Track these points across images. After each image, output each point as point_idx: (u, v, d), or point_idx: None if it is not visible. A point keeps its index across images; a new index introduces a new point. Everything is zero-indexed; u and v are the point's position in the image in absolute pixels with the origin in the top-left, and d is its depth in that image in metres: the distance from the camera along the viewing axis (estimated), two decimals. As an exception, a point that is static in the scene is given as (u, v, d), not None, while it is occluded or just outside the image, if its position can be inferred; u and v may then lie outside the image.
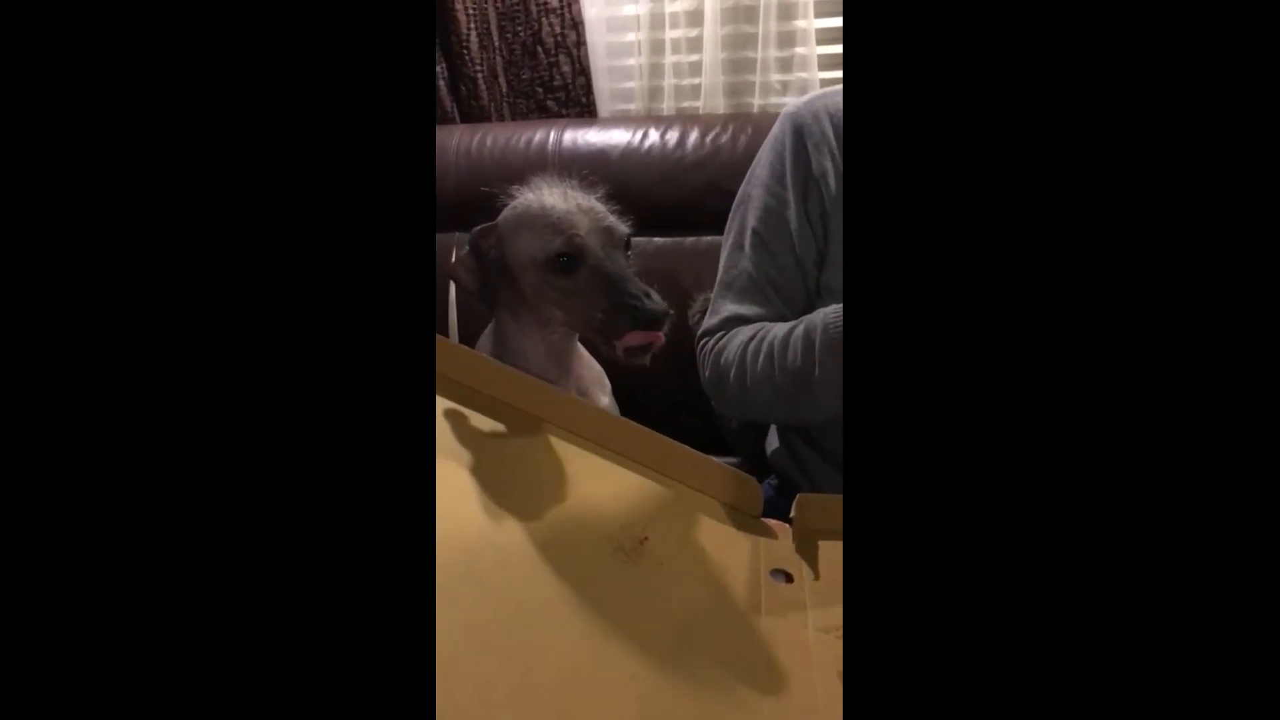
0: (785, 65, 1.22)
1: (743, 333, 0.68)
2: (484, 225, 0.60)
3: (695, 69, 1.26)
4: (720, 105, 1.26)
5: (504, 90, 1.32)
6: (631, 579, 0.39)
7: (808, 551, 0.43)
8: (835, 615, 0.38)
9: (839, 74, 1.19)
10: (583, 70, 1.27)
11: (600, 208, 0.58)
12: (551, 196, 0.58)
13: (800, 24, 1.19)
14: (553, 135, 1.16)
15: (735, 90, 1.27)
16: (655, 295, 0.53)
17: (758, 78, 1.22)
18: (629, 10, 1.27)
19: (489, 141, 1.18)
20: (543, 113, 1.31)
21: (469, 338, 0.67)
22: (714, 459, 0.47)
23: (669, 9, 1.23)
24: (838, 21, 1.20)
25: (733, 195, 0.75)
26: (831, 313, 0.60)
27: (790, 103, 0.74)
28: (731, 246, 0.73)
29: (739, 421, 0.92)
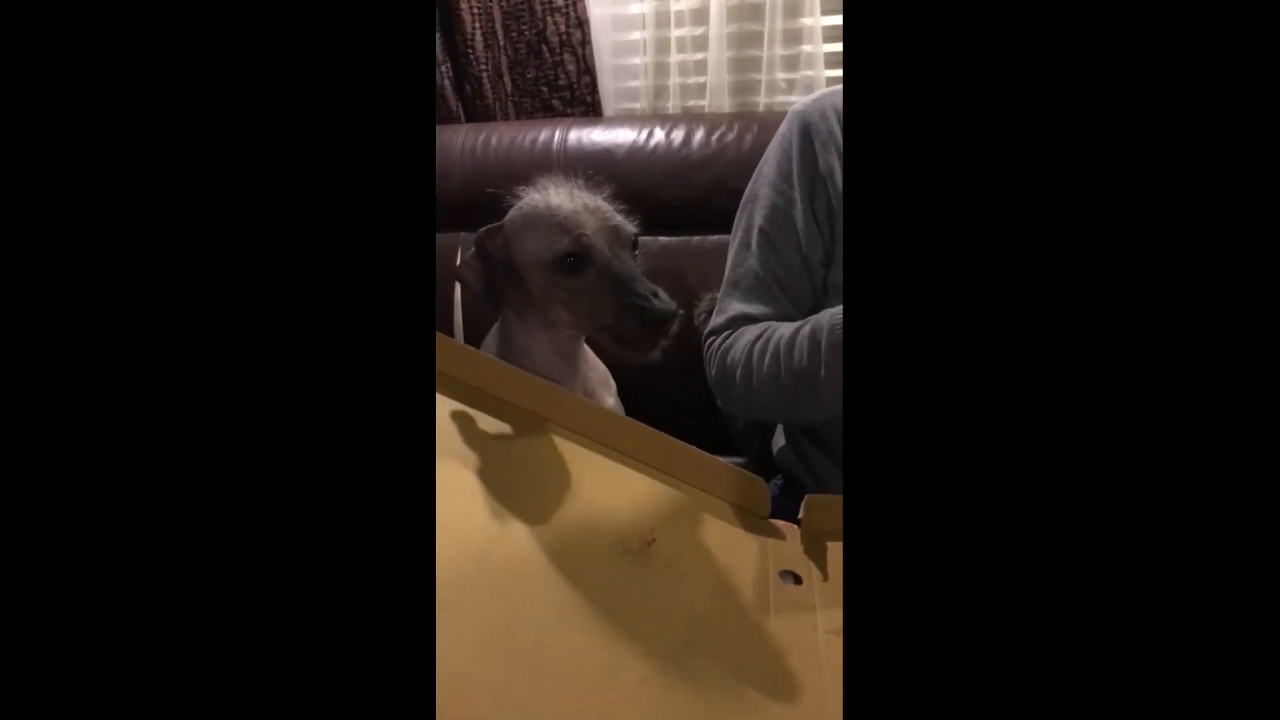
0: (791, 63, 1.22)
1: (749, 332, 0.68)
2: (490, 226, 0.60)
3: (701, 67, 1.25)
4: (726, 104, 1.25)
5: (509, 89, 1.32)
6: (639, 580, 0.38)
7: (816, 553, 0.43)
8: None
9: (845, 72, 1.18)
10: (588, 69, 1.27)
11: (607, 207, 0.58)
12: (558, 196, 0.58)
13: (806, 21, 1.18)
14: (558, 134, 1.16)
15: (741, 89, 1.27)
16: (663, 295, 0.53)
17: (763, 76, 1.22)
18: (634, 9, 1.26)
19: (494, 141, 1.18)
20: (548, 112, 1.31)
21: (474, 339, 0.67)
22: (721, 459, 0.47)
23: (674, 7, 1.23)
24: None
25: (739, 194, 0.75)
26: (838, 313, 0.60)
27: (798, 101, 0.74)
28: (738, 245, 0.73)
29: (745, 421, 0.92)
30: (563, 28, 1.25)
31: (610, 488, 0.45)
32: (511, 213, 0.60)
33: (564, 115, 1.30)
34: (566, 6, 1.24)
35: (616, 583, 0.38)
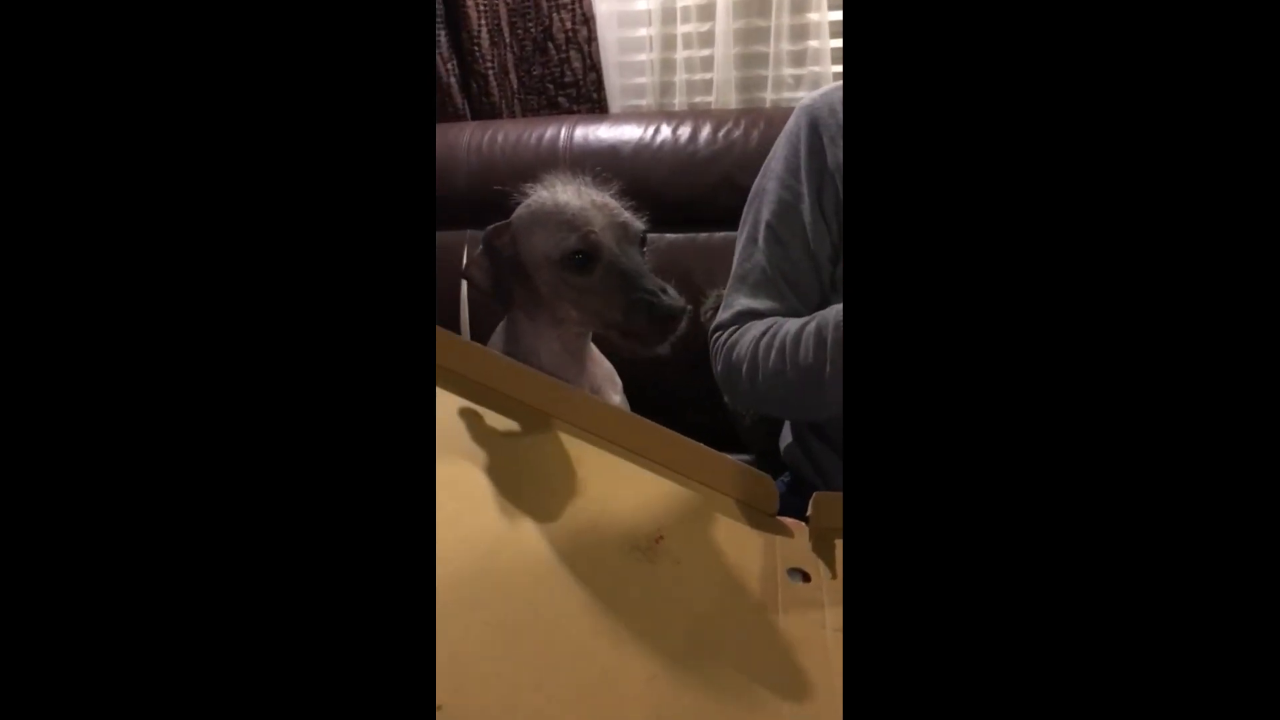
0: (798, 59, 1.21)
1: (755, 327, 0.68)
2: (498, 224, 0.60)
3: (707, 64, 1.25)
4: (732, 100, 1.25)
5: (515, 87, 1.32)
6: (647, 578, 0.38)
7: (824, 550, 0.43)
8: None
9: (852, 67, 1.18)
10: (594, 66, 1.27)
11: (614, 204, 0.58)
12: (565, 193, 0.58)
13: (813, 17, 1.18)
14: (564, 131, 1.15)
15: (747, 85, 1.26)
16: (672, 291, 0.53)
17: (770, 72, 1.22)
18: (640, 5, 1.26)
19: (500, 138, 1.18)
20: (554, 109, 1.31)
21: (481, 337, 0.67)
22: (728, 456, 0.47)
23: (680, 3, 1.22)
24: (851, 14, 1.19)
25: (746, 190, 0.75)
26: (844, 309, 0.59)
27: (805, 97, 0.74)
28: (745, 240, 0.73)
29: (752, 418, 0.92)
30: (568, 24, 1.25)
31: (618, 485, 0.45)
32: (519, 210, 0.60)
33: (570, 112, 1.29)
34: (572, 3, 1.24)
35: (625, 580, 0.38)
